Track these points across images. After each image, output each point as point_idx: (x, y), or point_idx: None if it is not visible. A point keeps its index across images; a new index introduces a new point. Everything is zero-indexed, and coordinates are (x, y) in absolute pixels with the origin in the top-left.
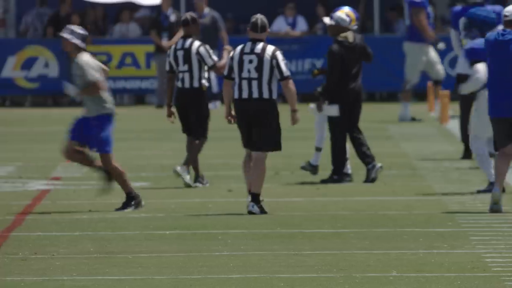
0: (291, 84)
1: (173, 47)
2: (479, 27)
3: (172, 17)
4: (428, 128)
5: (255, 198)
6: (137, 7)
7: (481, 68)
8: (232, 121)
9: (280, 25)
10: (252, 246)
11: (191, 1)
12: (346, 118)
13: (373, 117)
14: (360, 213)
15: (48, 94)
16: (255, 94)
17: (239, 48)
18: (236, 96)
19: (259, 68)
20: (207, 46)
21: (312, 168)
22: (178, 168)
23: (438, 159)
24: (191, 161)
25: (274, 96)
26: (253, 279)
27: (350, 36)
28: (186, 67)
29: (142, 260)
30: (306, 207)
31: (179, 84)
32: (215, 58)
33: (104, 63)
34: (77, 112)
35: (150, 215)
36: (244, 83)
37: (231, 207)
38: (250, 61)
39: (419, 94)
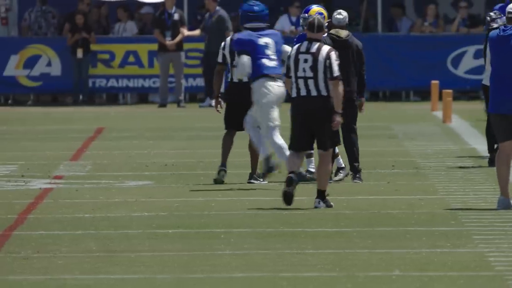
0: (339, 85)
1: (227, 40)
2: None
3: (176, 16)
4: (431, 127)
5: (321, 194)
6: (140, 5)
7: None
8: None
9: (283, 24)
10: (255, 245)
11: (194, 0)
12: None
13: (376, 116)
14: (363, 212)
15: (51, 92)
16: (313, 92)
17: (295, 47)
18: (294, 94)
19: (314, 68)
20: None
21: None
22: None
23: (441, 158)
24: (255, 159)
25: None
26: (256, 278)
27: (341, 32)
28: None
29: (145, 259)
30: (309, 206)
31: (234, 78)
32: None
33: (107, 61)
34: (79, 111)
35: (153, 214)
36: (300, 82)
37: (234, 206)
38: (305, 60)
39: (422, 93)
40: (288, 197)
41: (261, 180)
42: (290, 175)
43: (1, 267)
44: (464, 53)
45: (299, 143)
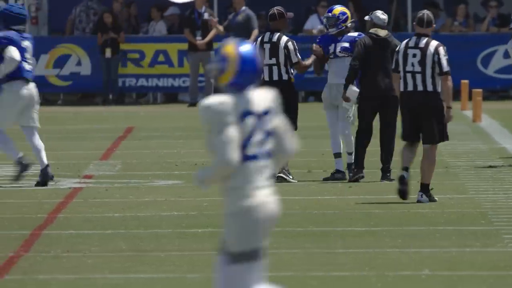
0: (449, 80)
1: (259, 39)
2: None
3: (206, 15)
4: (461, 126)
5: (425, 187)
6: (167, 5)
7: None
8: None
9: (313, 23)
10: (284, 244)
11: None
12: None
13: None
14: (393, 211)
15: (80, 92)
16: (420, 87)
17: (404, 42)
18: (402, 88)
19: (422, 62)
20: (295, 42)
21: (341, 174)
22: (282, 175)
23: (471, 157)
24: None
25: (439, 89)
26: (285, 277)
27: (380, 31)
28: (273, 60)
29: (174, 259)
30: (338, 205)
31: (265, 77)
32: (299, 55)
33: (137, 60)
34: (109, 111)
35: (183, 213)
36: (408, 76)
37: None
38: (414, 55)
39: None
40: (403, 194)
41: (291, 177)
42: (402, 173)
43: (31, 266)
44: (494, 53)
45: (409, 135)
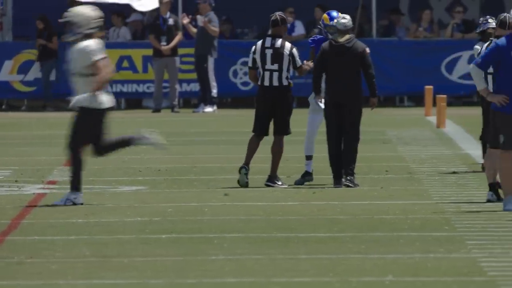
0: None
1: (259, 44)
2: None
3: (170, 21)
4: (425, 132)
5: (494, 187)
6: (128, 11)
7: None
8: None
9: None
10: (248, 250)
11: (188, 5)
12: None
13: (370, 121)
14: (357, 217)
15: (45, 97)
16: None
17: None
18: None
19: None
20: (296, 48)
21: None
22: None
23: (435, 163)
24: (276, 163)
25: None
26: (248, 283)
27: (340, 37)
28: (276, 66)
29: (138, 264)
30: (302, 211)
31: (265, 82)
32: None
33: None
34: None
35: (147, 219)
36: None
37: (227, 211)
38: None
39: (416, 98)
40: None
41: (279, 183)
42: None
43: None
44: (458, 58)
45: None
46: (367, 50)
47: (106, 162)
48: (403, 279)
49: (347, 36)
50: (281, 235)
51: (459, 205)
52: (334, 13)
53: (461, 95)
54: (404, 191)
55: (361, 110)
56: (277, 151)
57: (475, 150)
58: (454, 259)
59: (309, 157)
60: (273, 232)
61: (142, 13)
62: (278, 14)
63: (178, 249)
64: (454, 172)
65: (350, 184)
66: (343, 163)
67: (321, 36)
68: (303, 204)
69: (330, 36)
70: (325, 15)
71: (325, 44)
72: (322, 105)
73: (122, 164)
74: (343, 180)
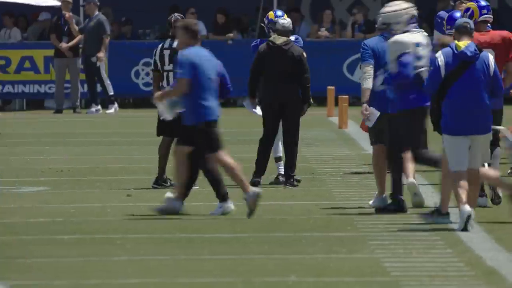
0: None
1: (159, 46)
2: None
3: (66, 15)
4: (327, 132)
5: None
6: (33, 10)
7: None
8: None
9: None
10: (151, 250)
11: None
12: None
13: None
14: (259, 218)
15: None
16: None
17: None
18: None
19: None
20: None
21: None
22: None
23: (337, 163)
24: (163, 164)
25: None
26: (152, 283)
27: (278, 38)
28: (171, 67)
29: (41, 265)
30: (205, 212)
31: (164, 83)
32: None
33: (3, 67)
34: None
35: (49, 220)
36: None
37: (130, 211)
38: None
39: (318, 99)
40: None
41: (166, 184)
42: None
43: None
44: (360, 59)
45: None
46: (304, 54)
47: (8, 163)
48: (306, 279)
49: (284, 39)
50: (185, 235)
51: (362, 205)
52: (279, 12)
53: None
54: (307, 192)
55: (300, 113)
56: (163, 154)
57: None
58: (357, 259)
59: (278, 158)
60: (176, 233)
61: (51, 12)
62: (178, 15)
63: (81, 250)
64: (356, 173)
65: (292, 187)
66: (284, 166)
67: (264, 40)
68: (205, 204)
69: (272, 35)
70: (271, 12)
71: (262, 46)
72: (258, 112)
73: (25, 164)
74: (285, 182)
